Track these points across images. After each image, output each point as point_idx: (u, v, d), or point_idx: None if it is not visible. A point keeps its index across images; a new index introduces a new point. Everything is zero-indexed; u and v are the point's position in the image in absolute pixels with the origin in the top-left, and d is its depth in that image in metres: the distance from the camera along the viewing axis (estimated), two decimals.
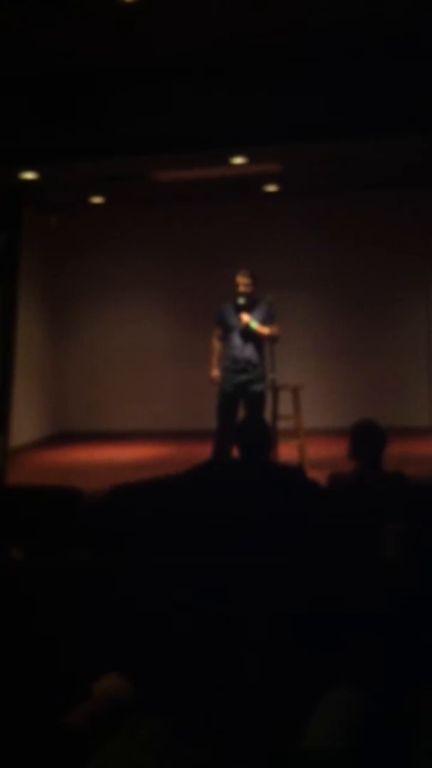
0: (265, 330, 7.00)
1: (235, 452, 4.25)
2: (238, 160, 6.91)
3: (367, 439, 3.98)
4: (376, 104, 5.68)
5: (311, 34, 5.38)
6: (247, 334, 7.03)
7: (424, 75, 5.55)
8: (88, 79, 5.91)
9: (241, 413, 7.05)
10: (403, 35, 5.37)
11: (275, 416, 7.04)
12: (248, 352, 7.05)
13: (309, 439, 7.68)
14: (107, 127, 6.03)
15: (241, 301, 7.03)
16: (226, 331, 7.13)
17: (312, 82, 5.73)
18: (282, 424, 7.26)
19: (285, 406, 7.53)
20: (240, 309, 7.05)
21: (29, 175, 7.08)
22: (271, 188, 8.82)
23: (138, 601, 2.52)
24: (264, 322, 7.03)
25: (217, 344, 7.23)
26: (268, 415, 6.80)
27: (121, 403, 10.20)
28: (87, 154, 6.30)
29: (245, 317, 6.99)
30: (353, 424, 4.08)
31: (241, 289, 7.05)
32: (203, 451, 7.16)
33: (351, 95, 5.68)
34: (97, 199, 9.22)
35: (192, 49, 5.54)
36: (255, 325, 6.98)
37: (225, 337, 7.15)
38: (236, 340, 7.06)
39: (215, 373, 7.21)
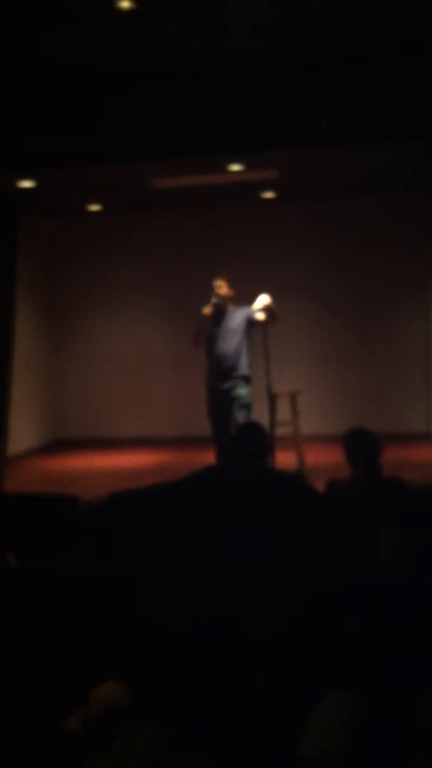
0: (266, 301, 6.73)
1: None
2: (236, 167, 6.91)
3: (359, 446, 3.98)
4: (375, 109, 5.68)
5: (310, 39, 5.38)
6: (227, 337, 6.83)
7: (424, 79, 5.55)
8: (85, 84, 5.91)
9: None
10: (403, 39, 5.38)
11: (273, 422, 7.03)
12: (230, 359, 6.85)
13: (307, 445, 7.68)
14: (104, 133, 6.03)
15: (215, 300, 6.80)
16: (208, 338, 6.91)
17: (311, 87, 5.73)
18: (280, 431, 7.24)
19: (283, 412, 7.52)
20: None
21: (27, 183, 7.08)
22: (269, 195, 8.83)
23: (135, 608, 2.51)
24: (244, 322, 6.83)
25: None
26: (265, 421, 6.75)
27: (119, 410, 10.19)
28: (84, 159, 6.28)
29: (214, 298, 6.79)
30: (345, 433, 4.08)
31: (219, 291, 6.91)
32: (201, 458, 7.15)
33: (351, 100, 5.68)
34: (94, 206, 9.22)
35: (190, 54, 5.54)
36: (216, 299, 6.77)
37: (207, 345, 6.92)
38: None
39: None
